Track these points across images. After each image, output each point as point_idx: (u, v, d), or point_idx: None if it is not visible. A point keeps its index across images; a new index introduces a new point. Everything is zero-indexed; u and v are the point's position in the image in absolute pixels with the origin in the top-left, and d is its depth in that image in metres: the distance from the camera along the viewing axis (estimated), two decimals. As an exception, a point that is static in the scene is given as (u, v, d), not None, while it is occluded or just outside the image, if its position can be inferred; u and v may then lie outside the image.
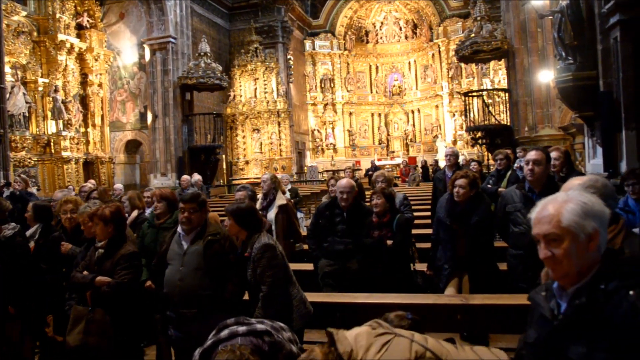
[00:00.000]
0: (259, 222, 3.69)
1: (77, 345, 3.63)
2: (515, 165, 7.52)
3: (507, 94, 15.14)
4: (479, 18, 14.91)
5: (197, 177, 12.17)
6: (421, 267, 4.97)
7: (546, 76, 12.77)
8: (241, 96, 22.58)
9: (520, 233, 4.03)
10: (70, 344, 3.69)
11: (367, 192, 6.31)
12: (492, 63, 21.99)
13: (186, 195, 3.76)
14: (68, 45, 15.76)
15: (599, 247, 1.59)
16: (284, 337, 2.45)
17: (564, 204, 1.59)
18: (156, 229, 4.81)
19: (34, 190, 11.62)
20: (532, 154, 4.04)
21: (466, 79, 27.12)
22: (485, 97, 16.09)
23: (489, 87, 22.37)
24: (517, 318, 2.93)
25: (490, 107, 16.13)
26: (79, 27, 16.81)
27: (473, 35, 14.73)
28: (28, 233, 4.97)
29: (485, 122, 15.36)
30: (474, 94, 16.85)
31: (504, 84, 20.58)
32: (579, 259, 1.56)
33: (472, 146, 21.19)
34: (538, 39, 13.14)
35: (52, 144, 15.46)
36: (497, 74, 23.60)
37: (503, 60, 16.08)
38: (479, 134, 14.95)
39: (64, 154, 15.46)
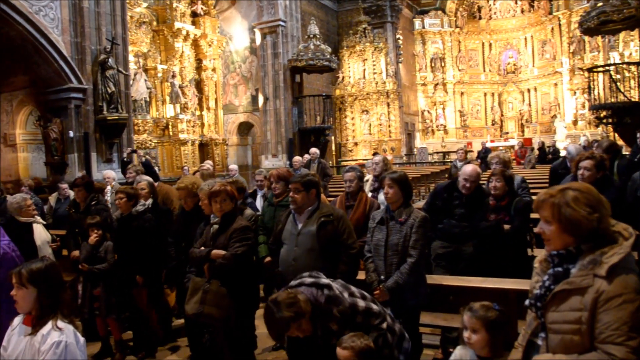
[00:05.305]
0: (412, 190, 3.94)
1: (194, 314, 3.82)
2: None
3: (639, 68, 13.84)
4: (608, -16, 13.68)
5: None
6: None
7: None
8: (350, 77, 22.56)
9: (652, 219, 3.65)
10: (188, 312, 3.90)
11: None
12: (622, 34, 20.14)
13: (295, 176, 3.80)
14: (184, 32, 16.52)
15: None
16: (346, 295, 2.52)
17: None
18: (274, 207, 4.97)
19: (155, 170, 12.41)
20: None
21: (590, 54, 25.09)
22: (612, 73, 14.83)
23: (618, 61, 20.59)
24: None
25: (619, 83, 14.85)
26: (194, 15, 17.51)
27: (600, 4, 13.51)
28: (139, 209, 5.32)
29: (612, 100, 14.15)
30: (600, 69, 15.56)
31: (635, 57, 18.90)
32: None
33: (596, 126, 19.71)
34: (682, 3, 11.80)
35: (170, 126, 16.38)
36: (628, 46, 21.61)
37: (636, 30, 14.66)
38: (604, 113, 13.80)
39: (181, 136, 16.33)
